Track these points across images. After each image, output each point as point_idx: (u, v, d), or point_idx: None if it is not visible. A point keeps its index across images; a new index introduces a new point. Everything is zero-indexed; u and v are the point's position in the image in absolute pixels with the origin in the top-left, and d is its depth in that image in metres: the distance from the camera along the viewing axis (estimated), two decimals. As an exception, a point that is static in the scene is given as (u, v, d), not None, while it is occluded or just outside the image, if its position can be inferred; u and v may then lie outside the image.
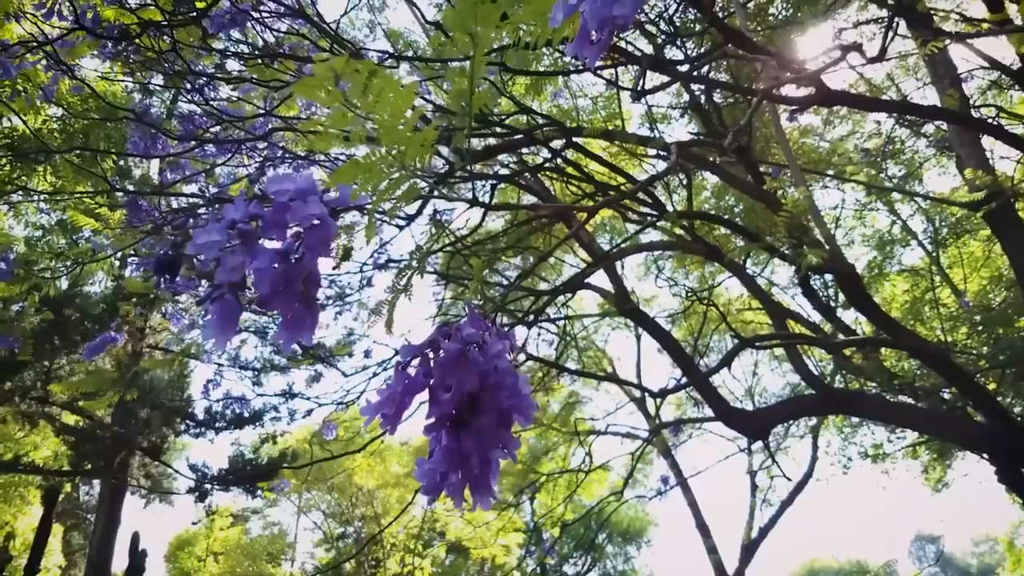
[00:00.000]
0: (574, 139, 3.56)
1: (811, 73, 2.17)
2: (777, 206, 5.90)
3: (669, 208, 6.32)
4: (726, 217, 9.21)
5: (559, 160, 4.39)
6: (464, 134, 1.02)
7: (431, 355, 0.84)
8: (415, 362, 0.84)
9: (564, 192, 7.64)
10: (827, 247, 4.62)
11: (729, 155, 5.84)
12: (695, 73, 3.85)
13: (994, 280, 10.22)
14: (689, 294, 7.63)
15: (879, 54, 2.22)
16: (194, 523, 18.30)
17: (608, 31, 0.84)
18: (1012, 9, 5.65)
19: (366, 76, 0.81)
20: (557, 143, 3.78)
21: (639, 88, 2.49)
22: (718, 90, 6.53)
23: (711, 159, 6.20)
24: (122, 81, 6.58)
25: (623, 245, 6.05)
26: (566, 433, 11.98)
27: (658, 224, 4.82)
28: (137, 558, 11.14)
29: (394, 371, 0.84)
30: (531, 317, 5.79)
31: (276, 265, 0.72)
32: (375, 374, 5.50)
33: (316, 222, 0.73)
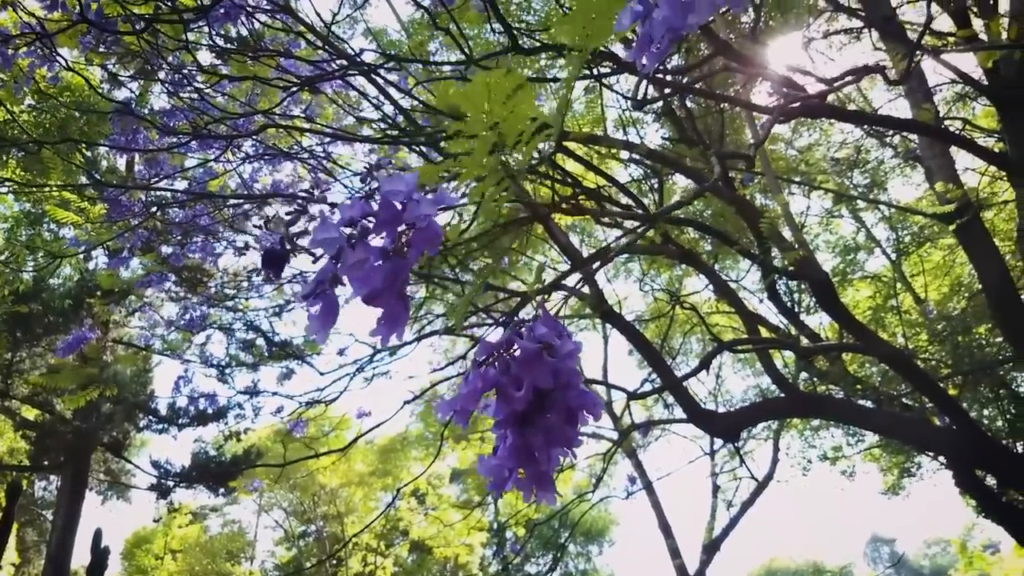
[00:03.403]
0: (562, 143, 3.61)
1: (822, 91, 2.25)
2: (749, 210, 6.02)
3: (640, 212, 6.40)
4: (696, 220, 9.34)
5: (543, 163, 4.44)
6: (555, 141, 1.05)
7: (506, 354, 0.87)
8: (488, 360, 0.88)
9: (536, 191, 7.69)
10: (801, 253, 4.74)
11: (705, 160, 5.94)
12: (690, 84, 3.94)
13: (954, 288, 10.52)
14: (670, 297, 7.73)
15: (901, 77, 2.30)
16: (155, 520, 18.02)
17: (669, 39, 0.87)
18: (978, 24, 5.84)
19: (512, 88, 0.85)
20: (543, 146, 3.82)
21: (642, 97, 2.55)
22: (708, 100, 6.63)
23: (685, 162, 6.30)
24: (97, 71, 6.48)
25: (603, 248, 6.11)
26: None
27: (639, 228, 4.89)
28: (100, 554, 10.92)
29: (472, 368, 0.87)
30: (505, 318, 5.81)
31: (382, 263, 0.76)
32: (360, 369, 5.48)
33: (426, 222, 0.76)
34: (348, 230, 0.78)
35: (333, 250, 0.76)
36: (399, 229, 0.78)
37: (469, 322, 7.30)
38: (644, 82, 2.85)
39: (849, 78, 2.37)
